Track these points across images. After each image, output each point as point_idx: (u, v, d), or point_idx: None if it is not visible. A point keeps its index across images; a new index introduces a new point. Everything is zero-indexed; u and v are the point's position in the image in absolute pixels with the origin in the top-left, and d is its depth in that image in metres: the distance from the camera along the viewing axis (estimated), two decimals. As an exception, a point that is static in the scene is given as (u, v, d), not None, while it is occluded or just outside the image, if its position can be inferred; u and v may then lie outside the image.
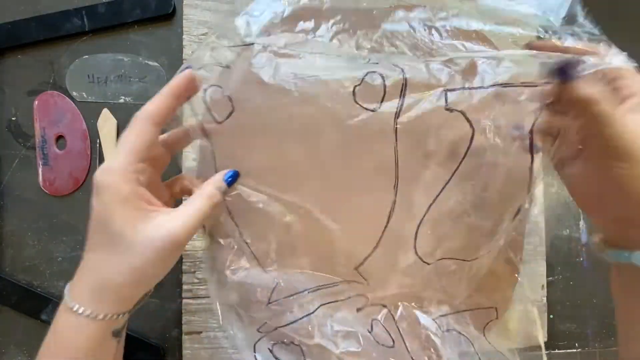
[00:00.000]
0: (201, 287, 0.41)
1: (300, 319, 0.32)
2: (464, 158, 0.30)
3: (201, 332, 0.41)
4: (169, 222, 0.27)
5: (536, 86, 0.28)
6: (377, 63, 0.30)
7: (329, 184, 0.31)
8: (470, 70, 0.29)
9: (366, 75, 0.29)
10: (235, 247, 0.33)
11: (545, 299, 0.45)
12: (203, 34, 0.42)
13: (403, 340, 0.35)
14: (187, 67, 0.30)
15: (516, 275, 0.40)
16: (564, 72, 0.27)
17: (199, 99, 0.30)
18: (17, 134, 0.44)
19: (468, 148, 0.29)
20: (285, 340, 0.34)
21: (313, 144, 0.30)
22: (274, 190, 0.31)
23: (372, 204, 0.32)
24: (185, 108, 0.31)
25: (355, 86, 0.29)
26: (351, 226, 0.32)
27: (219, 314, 0.33)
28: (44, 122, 0.43)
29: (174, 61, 0.44)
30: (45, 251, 0.43)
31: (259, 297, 0.33)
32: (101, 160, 0.43)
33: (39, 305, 0.42)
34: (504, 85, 0.29)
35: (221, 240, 0.33)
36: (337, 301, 0.34)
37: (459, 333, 0.36)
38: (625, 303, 0.31)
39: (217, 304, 0.33)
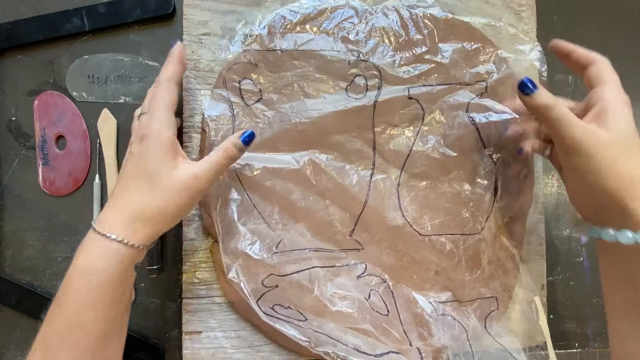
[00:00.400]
0: (201, 287, 0.41)
1: (302, 270, 0.39)
2: (418, 132, 0.42)
3: (201, 332, 0.41)
4: (194, 169, 0.33)
5: (468, 84, 0.42)
6: (365, 61, 0.41)
7: (326, 150, 0.41)
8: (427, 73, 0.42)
9: (354, 78, 0.41)
10: (243, 207, 0.40)
11: (545, 299, 0.45)
12: (203, 34, 0.42)
13: (398, 313, 0.40)
14: (176, 41, 0.38)
15: (516, 263, 0.41)
16: (522, 87, 0.34)
17: (234, 88, 0.40)
18: (17, 134, 0.44)
19: (421, 123, 0.42)
20: (284, 304, 0.39)
21: (317, 120, 0.40)
22: (281, 155, 0.41)
23: (358, 166, 0.41)
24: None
25: (347, 85, 0.41)
26: (342, 189, 0.40)
27: (225, 266, 0.38)
28: (44, 122, 0.43)
29: (174, 61, 0.44)
30: (45, 251, 0.43)
31: (268, 243, 0.39)
32: (101, 160, 0.43)
33: (39, 305, 0.42)
34: (446, 84, 0.42)
35: (232, 203, 0.40)
36: (335, 266, 0.41)
37: (454, 319, 0.40)
38: (610, 283, 0.35)
39: (225, 255, 0.38)
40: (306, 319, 0.38)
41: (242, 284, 0.38)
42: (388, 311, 0.40)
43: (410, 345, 0.39)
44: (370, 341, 0.38)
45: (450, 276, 0.41)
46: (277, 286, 0.39)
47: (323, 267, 0.40)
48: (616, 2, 0.47)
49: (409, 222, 0.41)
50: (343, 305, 0.39)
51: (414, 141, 0.42)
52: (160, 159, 0.32)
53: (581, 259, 0.47)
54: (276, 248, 0.40)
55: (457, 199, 0.42)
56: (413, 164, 0.42)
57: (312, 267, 0.40)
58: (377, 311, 0.40)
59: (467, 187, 0.42)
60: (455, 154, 0.42)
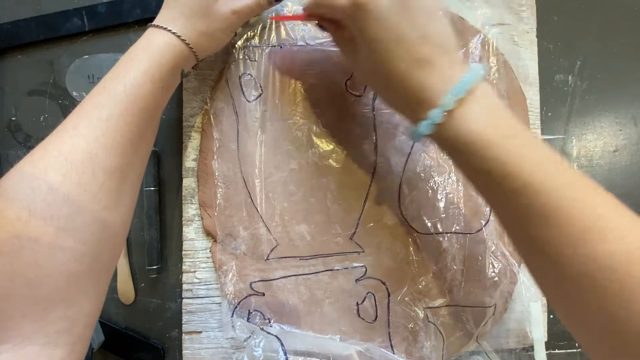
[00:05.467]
0: (201, 287, 0.41)
1: (289, 276, 0.41)
2: None
3: (201, 332, 0.41)
4: (233, 5, 0.36)
5: None
6: None
7: (325, 149, 0.41)
8: None
9: (354, 73, 0.41)
10: (246, 211, 0.41)
11: (545, 299, 0.45)
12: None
13: (388, 317, 0.41)
14: None
15: (515, 270, 0.41)
16: None
17: (235, 84, 0.41)
18: (17, 134, 0.44)
19: None
20: (265, 314, 0.41)
21: (317, 118, 0.41)
22: (282, 157, 0.41)
23: (359, 164, 0.41)
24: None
25: (346, 80, 0.41)
26: (342, 189, 0.41)
27: (217, 263, 0.40)
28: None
29: (174, 61, 0.44)
30: (45, 251, 0.43)
31: (263, 250, 0.41)
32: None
33: (39, 305, 0.42)
34: None
35: (234, 204, 0.41)
36: (334, 270, 0.41)
37: (436, 327, 0.41)
38: (456, 168, 0.38)
39: (220, 254, 0.41)
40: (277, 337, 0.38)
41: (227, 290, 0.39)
42: (376, 317, 0.41)
43: (392, 349, 0.40)
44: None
45: (447, 278, 0.41)
46: (263, 294, 0.40)
47: (320, 271, 0.41)
48: (616, 2, 0.47)
49: (408, 222, 0.41)
50: (327, 311, 0.40)
51: (413, 142, 0.42)
52: None
53: (581, 259, 0.47)
54: (268, 256, 0.41)
55: (457, 199, 0.42)
56: (414, 164, 0.42)
57: (299, 275, 0.41)
58: (362, 318, 0.41)
59: (466, 187, 0.42)
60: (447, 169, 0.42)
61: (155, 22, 0.35)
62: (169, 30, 0.34)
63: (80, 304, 0.27)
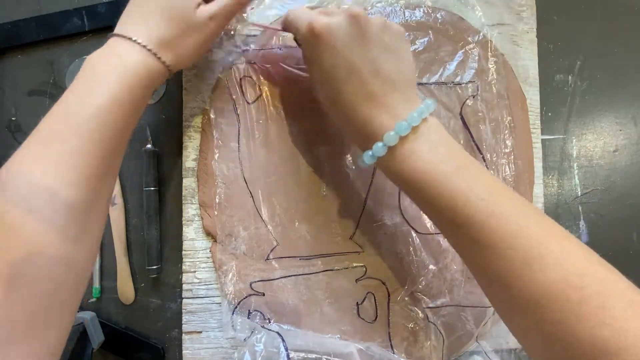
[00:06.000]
0: (201, 287, 0.41)
1: (290, 276, 0.41)
2: None
3: (201, 332, 0.41)
4: (210, 10, 0.34)
5: (459, 84, 0.42)
6: None
7: (327, 148, 0.41)
8: (423, 70, 0.42)
9: None
10: (246, 211, 0.41)
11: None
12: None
13: (388, 317, 0.41)
14: None
15: None
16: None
17: (235, 84, 0.41)
18: (17, 134, 0.44)
19: None
20: (265, 314, 0.40)
21: (318, 117, 0.41)
22: (282, 157, 0.41)
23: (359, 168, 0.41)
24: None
25: None
26: (343, 190, 0.41)
27: (217, 263, 0.41)
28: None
29: (174, 61, 0.44)
30: (45, 251, 0.43)
31: (263, 250, 0.41)
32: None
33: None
34: (439, 83, 0.42)
35: (235, 205, 0.41)
36: (334, 269, 0.41)
37: (436, 327, 0.41)
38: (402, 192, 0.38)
39: (220, 254, 0.41)
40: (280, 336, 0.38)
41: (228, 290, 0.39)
42: (376, 317, 0.41)
43: (392, 349, 0.40)
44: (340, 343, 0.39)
45: (447, 278, 0.41)
46: (263, 294, 0.40)
47: (320, 271, 0.41)
48: (616, 1, 0.47)
49: (408, 222, 0.41)
50: (327, 311, 0.40)
51: None
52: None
53: (581, 259, 0.47)
54: (268, 256, 0.41)
55: None
56: None
57: (299, 275, 0.41)
58: (362, 318, 0.41)
59: None
60: None
61: (124, 33, 0.31)
62: (144, 47, 0.31)
63: (43, 338, 0.26)
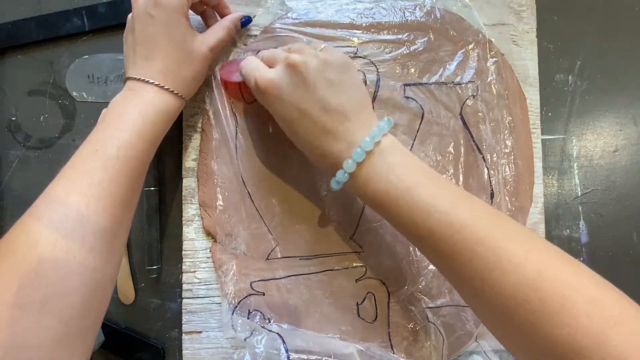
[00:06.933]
0: (201, 287, 0.41)
1: (290, 276, 0.41)
2: (418, 130, 0.42)
3: (201, 332, 0.41)
4: (208, 41, 0.37)
5: (460, 84, 0.43)
6: (362, 57, 0.42)
7: None
8: (423, 70, 0.43)
9: None
10: (246, 211, 0.41)
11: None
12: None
13: (388, 317, 0.41)
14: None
15: None
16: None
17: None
18: (17, 134, 0.44)
19: (420, 122, 0.42)
20: (265, 314, 0.40)
21: None
22: (282, 157, 0.41)
23: None
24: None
25: None
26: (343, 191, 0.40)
27: (217, 263, 0.41)
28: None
29: (174, 61, 0.44)
30: (45, 251, 0.43)
31: (263, 249, 0.41)
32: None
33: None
34: (439, 83, 0.42)
35: (237, 208, 0.41)
36: (334, 269, 0.41)
37: (436, 327, 0.41)
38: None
39: (220, 254, 0.41)
40: (281, 337, 0.38)
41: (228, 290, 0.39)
42: (376, 317, 0.41)
43: (392, 349, 0.40)
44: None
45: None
46: (263, 294, 0.40)
47: (320, 271, 0.41)
48: (616, 2, 0.47)
49: None
50: (327, 311, 0.41)
51: (414, 140, 0.42)
52: (181, 29, 0.35)
53: (581, 258, 0.47)
54: (268, 256, 0.41)
55: None
56: None
57: (299, 275, 0.41)
58: (362, 318, 0.41)
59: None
60: (452, 154, 0.42)
61: (141, 76, 0.34)
62: (162, 87, 0.34)
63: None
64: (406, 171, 0.31)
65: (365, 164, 0.31)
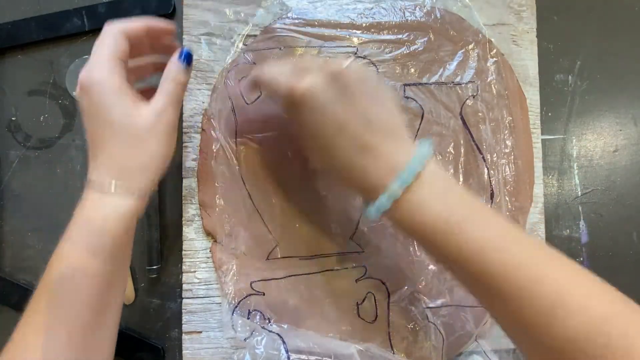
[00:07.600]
0: (201, 287, 0.41)
1: (290, 276, 0.41)
2: (418, 130, 0.42)
3: (201, 332, 0.41)
4: (155, 106, 0.30)
5: (460, 84, 0.42)
6: (362, 57, 0.42)
7: None
8: (423, 70, 0.43)
9: None
10: (246, 211, 0.41)
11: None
12: (203, 34, 0.42)
13: (388, 317, 0.41)
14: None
15: None
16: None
17: (234, 85, 0.41)
18: (17, 134, 0.44)
19: (420, 122, 0.42)
20: (265, 314, 0.40)
21: None
22: (282, 157, 0.41)
23: None
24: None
25: None
26: (342, 191, 0.41)
27: (217, 263, 0.41)
28: (44, 122, 0.43)
29: (174, 61, 0.44)
30: (45, 251, 0.43)
31: (263, 249, 0.41)
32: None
33: (39, 305, 0.42)
34: (439, 83, 0.42)
35: (237, 208, 0.41)
36: (334, 269, 0.41)
37: (436, 327, 0.41)
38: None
39: (220, 254, 0.41)
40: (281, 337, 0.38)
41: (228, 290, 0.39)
42: (376, 317, 0.41)
43: (392, 349, 0.40)
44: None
45: (447, 278, 0.41)
46: (263, 294, 0.40)
47: (320, 271, 0.41)
48: (616, 2, 0.47)
49: None
50: (327, 311, 0.40)
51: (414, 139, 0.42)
52: (120, 109, 0.28)
53: (581, 259, 0.47)
54: (268, 256, 0.41)
55: None
56: None
57: (299, 275, 0.41)
58: (362, 318, 0.41)
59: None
60: (452, 154, 0.42)
61: (91, 183, 0.29)
62: (119, 193, 0.29)
63: None
64: (456, 201, 0.28)
65: (411, 189, 0.28)
